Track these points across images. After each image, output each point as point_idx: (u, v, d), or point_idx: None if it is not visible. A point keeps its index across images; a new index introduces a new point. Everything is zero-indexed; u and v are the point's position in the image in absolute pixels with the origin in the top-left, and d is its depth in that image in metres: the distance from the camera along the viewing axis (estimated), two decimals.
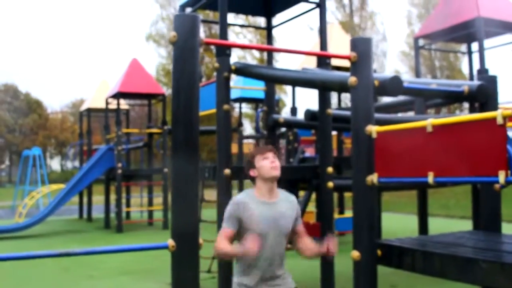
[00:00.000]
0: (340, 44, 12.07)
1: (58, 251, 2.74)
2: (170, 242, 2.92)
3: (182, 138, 2.98)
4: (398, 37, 68.10)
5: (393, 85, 3.80)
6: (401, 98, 7.71)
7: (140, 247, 2.96)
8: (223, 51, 5.61)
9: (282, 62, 38.66)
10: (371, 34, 35.02)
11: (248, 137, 17.62)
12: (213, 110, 5.79)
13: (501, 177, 2.82)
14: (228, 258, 3.22)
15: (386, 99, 12.32)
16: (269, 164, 3.15)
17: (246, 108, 24.03)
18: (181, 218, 2.96)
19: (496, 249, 3.51)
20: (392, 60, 67.46)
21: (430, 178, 3.22)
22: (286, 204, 3.20)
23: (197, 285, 3.04)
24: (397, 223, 13.97)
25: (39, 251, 2.77)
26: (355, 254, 3.61)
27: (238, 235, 3.09)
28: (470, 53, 9.95)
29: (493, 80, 4.63)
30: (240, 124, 14.97)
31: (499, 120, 2.84)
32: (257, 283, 3.04)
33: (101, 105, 17.13)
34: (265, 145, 3.27)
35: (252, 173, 3.20)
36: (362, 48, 3.64)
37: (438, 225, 11.40)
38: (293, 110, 11.17)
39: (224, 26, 5.52)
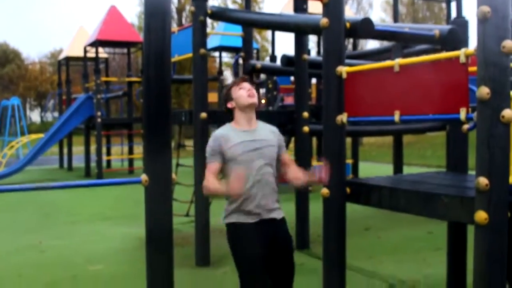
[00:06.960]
0: None
1: (34, 184, 2.82)
2: (144, 177, 3.01)
3: (154, 79, 3.03)
4: None
5: (364, 26, 3.85)
6: (384, 44, 7.73)
7: (115, 182, 3.05)
8: None
9: (265, 9, 38.16)
10: None
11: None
12: (190, 55, 5.81)
13: (462, 114, 2.93)
14: (216, 196, 3.24)
15: (367, 47, 12.33)
16: (245, 93, 3.25)
17: (227, 58, 23.86)
18: (153, 154, 3.04)
19: (458, 185, 3.65)
20: (377, 11, 67.11)
21: (397, 117, 3.32)
22: (266, 131, 3.32)
23: (170, 218, 3.15)
24: (375, 171, 14.25)
25: (16, 185, 2.85)
26: (325, 191, 3.73)
27: (224, 169, 3.18)
28: (448, 1, 9.96)
29: (464, 25, 4.69)
30: (220, 72, 14.90)
31: (462, 59, 2.92)
32: (255, 216, 3.14)
33: (80, 53, 16.89)
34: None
35: (229, 105, 3.30)
36: None
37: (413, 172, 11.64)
38: (272, 58, 11.16)
39: None
